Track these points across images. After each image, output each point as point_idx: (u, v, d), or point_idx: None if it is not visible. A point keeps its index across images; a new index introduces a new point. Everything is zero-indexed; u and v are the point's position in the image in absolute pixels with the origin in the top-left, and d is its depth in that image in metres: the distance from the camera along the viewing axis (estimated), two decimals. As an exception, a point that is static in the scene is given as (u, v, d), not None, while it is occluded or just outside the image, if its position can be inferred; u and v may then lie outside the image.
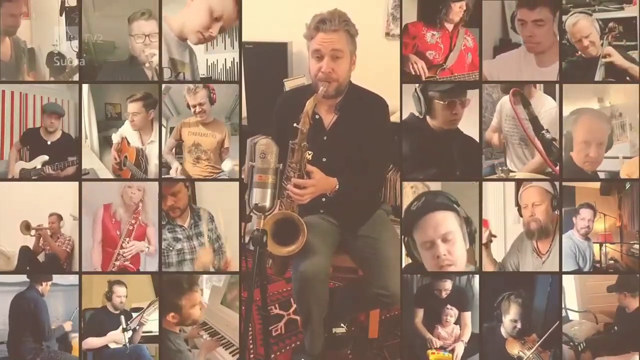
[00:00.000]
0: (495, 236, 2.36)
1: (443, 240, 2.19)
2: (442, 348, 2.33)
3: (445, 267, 2.19)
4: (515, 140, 2.43)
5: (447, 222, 2.20)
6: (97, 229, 2.43)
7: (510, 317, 2.32)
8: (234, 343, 2.34)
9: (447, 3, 2.35)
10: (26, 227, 2.41)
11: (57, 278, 2.40)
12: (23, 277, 2.38)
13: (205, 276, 2.42)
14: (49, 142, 2.45)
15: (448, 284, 2.34)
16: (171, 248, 2.42)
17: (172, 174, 2.51)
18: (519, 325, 2.32)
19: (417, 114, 2.39)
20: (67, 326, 2.39)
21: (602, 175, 2.37)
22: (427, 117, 2.39)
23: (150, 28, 2.40)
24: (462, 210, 2.22)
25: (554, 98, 2.37)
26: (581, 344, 2.31)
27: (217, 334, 2.39)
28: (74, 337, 2.39)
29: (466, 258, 2.24)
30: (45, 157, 2.41)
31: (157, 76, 2.39)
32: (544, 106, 2.38)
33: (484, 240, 2.34)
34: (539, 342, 2.30)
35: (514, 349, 2.32)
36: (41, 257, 2.43)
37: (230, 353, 2.31)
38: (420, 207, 2.22)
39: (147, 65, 2.39)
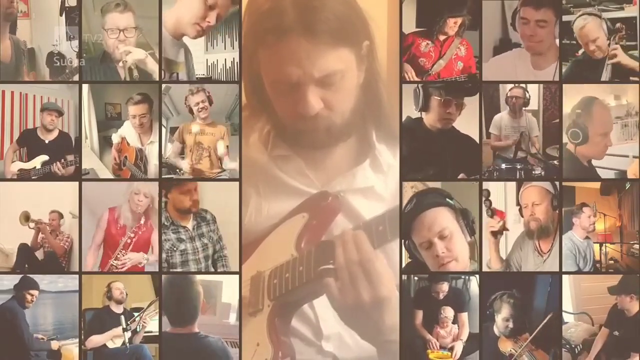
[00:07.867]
0: (507, 229, 2.36)
1: (440, 238, 2.17)
2: (442, 347, 2.35)
3: (447, 264, 2.18)
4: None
5: (439, 219, 2.18)
6: (99, 232, 2.43)
7: (502, 316, 2.34)
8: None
9: (443, 16, 2.37)
10: (25, 217, 2.41)
11: (44, 285, 2.40)
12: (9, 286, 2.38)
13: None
14: (46, 141, 2.45)
15: (445, 286, 2.35)
16: (175, 249, 2.42)
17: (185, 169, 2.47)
18: (511, 325, 2.33)
19: (414, 111, 2.37)
20: (54, 346, 2.38)
21: (609, 173, 2.37)
22: (423, 115, 2.38)
23: (126, 21, 2.32)
24: (456, 203, 2.20)
25: (555, 97, 2.38)
26: (578, 346, 2.33)
27: None
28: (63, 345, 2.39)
29: (468, 252, 2.23)
30: (45, 157, 2.41)
31: (129, 76, 2.32)
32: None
33: (495, 229, 2.35)
34: (530, 339, 2.31)
35: (506, 347, 2.33)
36: (40, 255, 2.44)
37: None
38: (412, 209, 2.22)
39: (120, 64, 2.33)
